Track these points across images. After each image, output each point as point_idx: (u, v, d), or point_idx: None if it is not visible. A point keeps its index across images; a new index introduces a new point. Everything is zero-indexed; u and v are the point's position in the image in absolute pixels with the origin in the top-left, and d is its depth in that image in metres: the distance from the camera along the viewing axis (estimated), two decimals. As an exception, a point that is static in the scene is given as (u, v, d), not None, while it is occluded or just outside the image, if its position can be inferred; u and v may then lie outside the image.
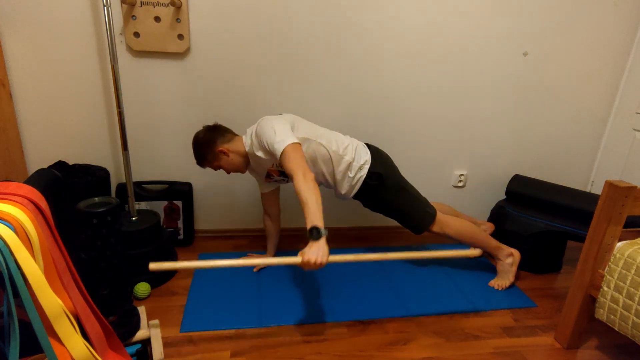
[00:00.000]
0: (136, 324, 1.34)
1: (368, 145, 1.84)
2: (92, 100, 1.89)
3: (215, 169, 1.76)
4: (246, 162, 1.75)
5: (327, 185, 1.82)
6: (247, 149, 1.70)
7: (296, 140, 1.51)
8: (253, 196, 2.19)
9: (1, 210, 0.86)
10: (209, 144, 1.70)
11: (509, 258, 1.88)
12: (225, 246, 2.15)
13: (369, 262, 2.06)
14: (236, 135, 1.76)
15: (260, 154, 1.64)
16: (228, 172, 1.77)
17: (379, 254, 1.49)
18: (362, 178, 1.75)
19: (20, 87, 1.81)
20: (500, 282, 1.90)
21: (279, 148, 1.49)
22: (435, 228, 1.82)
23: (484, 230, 2.01)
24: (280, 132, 1.53)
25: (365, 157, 1.76)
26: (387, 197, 1.80)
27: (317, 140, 1.68)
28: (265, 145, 1.56)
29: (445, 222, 1.83)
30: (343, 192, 1.81)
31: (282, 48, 1.95)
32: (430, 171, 2.33)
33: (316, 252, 1.29)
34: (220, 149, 1.69)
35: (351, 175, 1.74)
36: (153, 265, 1.31)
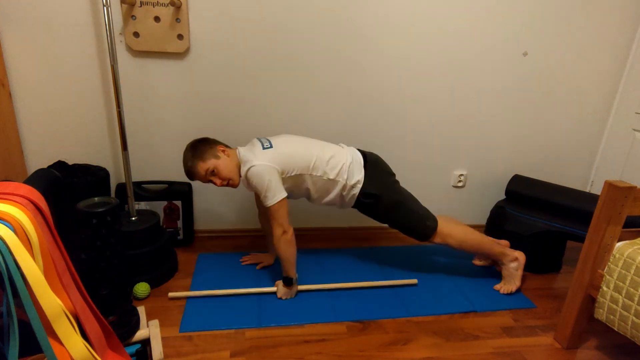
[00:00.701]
0: (136, 324, 1.34)
1: (365, 156, 1.78)
2: (92, 100, 1.89)
3: (206, 174, 1.62)
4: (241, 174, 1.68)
5: (326, 204, 1.82)
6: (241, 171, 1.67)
7: (284, 196, 1.60)
8: (253, 196, 2.19)
9: (1, 211, 0.86)
10: (208, 142, 1.66)
11: (513, 262, 1.87)
12: (225, 246, 2.15)
13: (369, 262, 2.06)
14: (230, 147, 1.73)
15: (250, 190, 1.69)
16: (221, 179, 1.64)
17: (330, 285, 1.84)
18: (355, 196, 1.74)
19: (19, 87, 1.81)
20: (506, 286, 1.88)
21: (268, 203, 1.59)
22: (437, 239, 1.80)
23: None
24: (273, 187, 1.58)
25: (358, 176, 1.72)
26: (383, 213, 1.79)
27: (311, 173, 1.68)
28: (256, 190, 1.62)
29: (447, 233, 1.80)
30: (340, 207, 1.83)
31: (281, 48, 1.95)
32: (430, 171, 2.33)
33: (287, 294, 1.74)
34: (220, 147, 1.66)
35: (344, 194, 1.74)
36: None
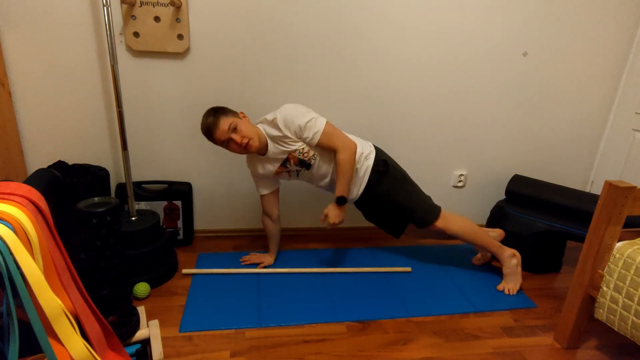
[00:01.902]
0: (136, 324, 1.34)
1: None
2: (92, 100, 1.89)
3: (227, 135, 1.58)
4: (260, 146, 1.67)
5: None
6: (265, 134, 1.70)
7: (326, 120, 1.67)
8: (253, 196, 2.19)
9: (1, 211, 0.86)
10: (228, 108, 1.68)
11: (513, 259, 1.87)
12: (224, 246, 2.15)
13: (369, 262, 2.06)
14: None
15: (289, 134, 1.66)
16: (242, 136, 1.60)
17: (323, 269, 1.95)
18: (370, 168, 1.79)
19: (20, 87, 1.81)
20: (510, 285, 1.88)
21: (316, 125, 1.64)
22: (440, 223, 1.81)
23: (493, 237, 1.98)
24: (312, 113, 1.66)
25: (370, 148, 1.83)
26: (391, 186, 1.81)
27: None
28: (297, 127, 1.64)
29: (450, 218, 1.84)
30: (352, 195, 1.84)
31: (281, 48, 1.95)
32: (430, 171, 2.33)
33: (338, 215, 1.74)
34: (241, 112, 1.70)
35: (359, 166, 1.78)
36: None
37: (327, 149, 1.71)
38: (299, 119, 1.63)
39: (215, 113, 1.63)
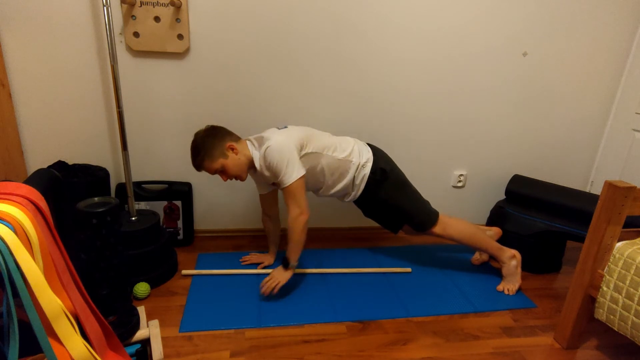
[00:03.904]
0: (136, 324, 1.34)
1: (369, 145, 1.85)
2: (92, 100, 1.89)
3: (214, 172, 1.64)
4: (249, 167, 1.69)
5: (335, 195, 1.83)
6: (253, 160, 1.66)
7: (303, 173, 1.59)
8: (253, 196, 2.19)
9: (1, 211, 0.86)
10: (218, 137, 1.63)
11: (513, 260, 1.87)
12: (225, 246, 2.15)
13: (369, 262, 2.06)
14: (240, 138, 1.72)
15: (267, 174, 1.65)
16: (228, 176, 1.65)
17: (321, 269, 1.96)
18: (367, 176, 1.76)
19: (20, 87, 1.81)
20: (509, 286, 1.88)
21: (287, 181, 1.57)
22: (438, 229, 1.82)
23: (490, 235, 1.99)
24: (292, 163, 1.57)
25: (367, 155, 1.78)
26: (390, 193, 1.80)
27: (326, 152, 1.70)
28: (274, 171, 1.60)
29: (448, 222, 1.83)
30: (349, 197, 1.83)
31: (281, 49, 1.95)
32: (430, 171, 2.33)
33: (280, 276, 1.66)
34: (229, 144, 1.63)
35: (356, 174, 1.76)
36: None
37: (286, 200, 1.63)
38: (278, 167, 1.58)
39: (201, 153, 1.60)
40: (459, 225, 1.85)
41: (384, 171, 1.77)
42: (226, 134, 1.67)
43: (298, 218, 1.60)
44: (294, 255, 1.66)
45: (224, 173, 1.64)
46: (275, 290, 1.65)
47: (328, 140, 1.74)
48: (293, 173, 1.57)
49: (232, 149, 1.63)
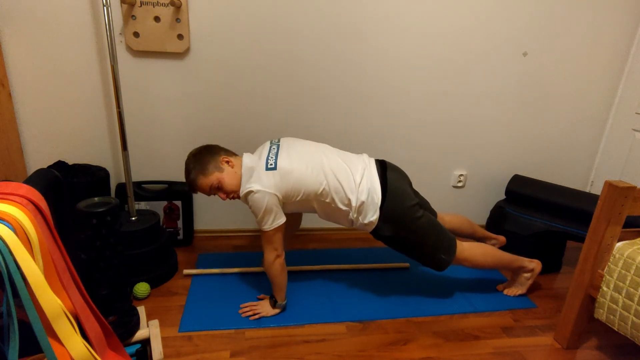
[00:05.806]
0: (136, 324, 1.34)
1: (385, 181, 1.59)
2: (92, 100, 1.89)
3: (209, 189, 1.54)
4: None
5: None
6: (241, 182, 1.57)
7: (281, 222, 1.51)
8: (253, 196, 2.19)
9: (1, 211, 0.86)
10: (211, 152, 1.57)
11: (527, 273, 1.84)
12: (224, 246, 2.15)
13: (369, 263, 2.06)
14: (236, 154, 1.66)
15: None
16: (226, 192, 1.55)
17: (320, 266, 1.98)
18: (370, 226, 1.60)
19: (20, 87, 1.81)
20: (511, 289, 1.87)
21: (264, 228, 1.50)
22: (459, 262, 1.71)
23: (494, 244, 1.96)
24: (271, 215, 1.48)
25: (372, 217, 1.57)
26: (394, 247, 1.70)
27: (318, 199, 1.56)
28: (253, 213, 1.51)
29: (463, 259, 1.69)
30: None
31: (281, 49, 1.95)
32: (430, 172, 2.33)
33: (269, 312, 1.64)
34: (224, 157, 1.56)
35: (356, 224, 1.63)
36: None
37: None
38: (256, 213, 1.49)
39: (195, 169, 1.53)
40: (475, 260, 1.72)
41: (387, 237, 1.62)
42: (221, 149, 1.60)
43: (275, 262, 1.54)
44: (279, 294, 1.62)
45: (221, 189, 1.54)
46: (256, 317, 1.61)
47: (326, 183, 1.53)
48: (273, 222, 1.49)
49: (228, 162, 1.56)
